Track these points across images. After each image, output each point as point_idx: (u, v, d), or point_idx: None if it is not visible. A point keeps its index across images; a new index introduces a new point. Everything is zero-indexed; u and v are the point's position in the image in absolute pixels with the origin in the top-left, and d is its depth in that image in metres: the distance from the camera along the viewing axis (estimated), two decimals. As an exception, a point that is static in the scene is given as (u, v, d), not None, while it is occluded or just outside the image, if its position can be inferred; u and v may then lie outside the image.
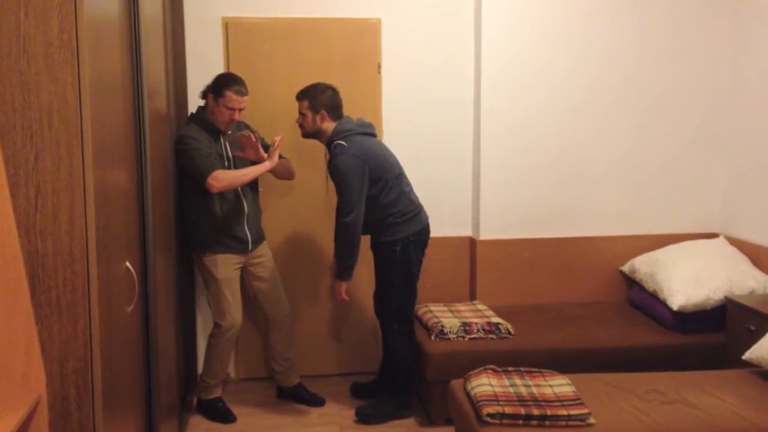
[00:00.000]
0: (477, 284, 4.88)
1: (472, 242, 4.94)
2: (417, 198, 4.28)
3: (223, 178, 4.00)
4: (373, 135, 4.22)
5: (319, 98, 4.10)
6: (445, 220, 4.89)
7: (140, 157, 2.95)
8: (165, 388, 3.36)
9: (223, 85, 4.06)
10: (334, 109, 4.14)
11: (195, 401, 4.46)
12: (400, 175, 4.21)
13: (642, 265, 4.72)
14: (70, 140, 2.05)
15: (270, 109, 4.62)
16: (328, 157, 4.17)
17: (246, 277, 4.35)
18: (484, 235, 4.85)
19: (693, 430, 3.03)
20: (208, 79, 4.58)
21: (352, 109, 4.52)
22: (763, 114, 4.56)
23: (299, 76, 4.50)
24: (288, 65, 4.62)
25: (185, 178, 4.08)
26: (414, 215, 4.20)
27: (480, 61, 4.76)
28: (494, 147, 4.80)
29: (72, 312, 2.10)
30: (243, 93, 4.09)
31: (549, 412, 3.06)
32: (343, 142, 4.03)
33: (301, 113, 4.16)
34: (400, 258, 4.16)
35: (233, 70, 4.59)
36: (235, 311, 4.23)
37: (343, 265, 4.12)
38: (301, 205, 4.78)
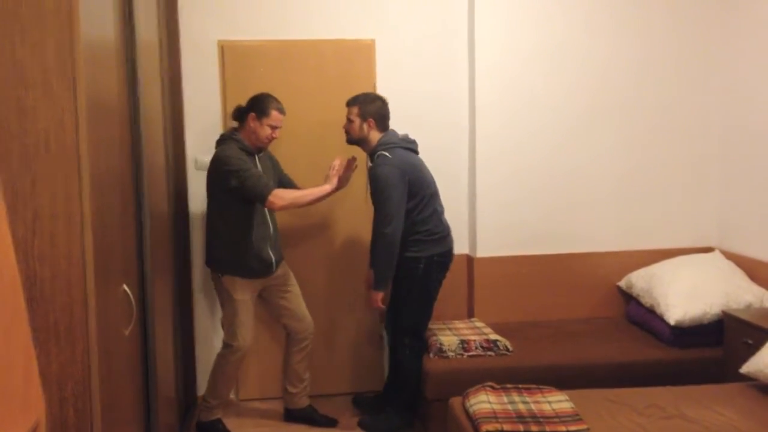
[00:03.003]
0: (475, 301, 4.88)
1: (469, 260, 4.95)
2: (447, 221, 4.31)
3: (284, 197, 4.05)
4: (416, 152, 4.27)
5: (368, 106, 4.17)
6: (442, 239, 4.92)
7: (137, 181, 2.96)
8: (164, 410, 3.37)
9: (267, 104, 4.12)
10: (382, 119, 4.20)
11: (195, 423, 4.44)
12: (435, 195, 4.24)
13: (639, 280, 4.73)
14: (68, 165, 2.07)
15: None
16: (369, 165, 4.22)
17: (270, 296, 4.36)
18: (481, 253, 4.87)
19: (692, 445, 3.03)
20: (204, 102, 4.64)
21: (347, 130, 4.54)
22: (756, 129, 4.59)
23: (295, 98, 4.53)
24: (283, 87, 4.65)
25: (227, 197, 4.08)
26: (442, 236, 4.23)
27: (474, 81, 4.79)
28: (490, 166, 4.82)
29: (70, 336, 2.11)
30: (284, 112, 4.18)
31: (548, 429, 3.06)
32: (387, 153, 4.09)
33: (349, 119, 4.22)
34: (422, 275, 4.18)
35: (229, 93, 4.63)
36: (247, 333, 4.23)
37: (381, 276, 4.13)
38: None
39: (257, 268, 4.18)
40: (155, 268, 3.18)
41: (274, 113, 4.12)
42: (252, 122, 4.13)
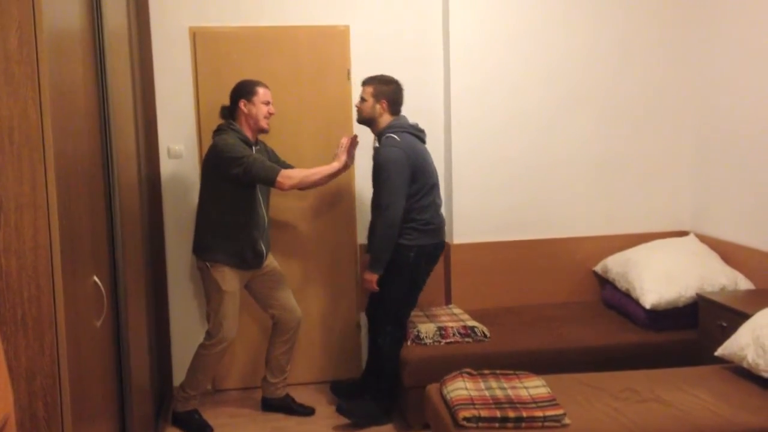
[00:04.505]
0: (452, 288, 4.88)
1: (446, 246, 4.94)
2: (443, 215, 4.32)
3: (293, 176, 4.05)
4: (423, 141, 4.26)
5: (383, 88, 4.18)
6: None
7: (107, 169, 2.92)
8: (139, 401, 3.34)
9: (250, 86, 4.15)
10: (395, 103, 4.21)
11: (171, 413, 4.41)
12: (435, 186, 4.25)
13: (614, 264, 4.75)
14: (32, 155, 2.03)
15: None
16: (375, 146, 4.24)
17: (258, 286, 4.34)
18: (458, 240, 4.86)
19: (667, 428, 3.04)
20: (177, 89, 4.59)
21: (321, 116, 4.52)
22: (730, 114, 4.61)
23: (268, 85, 4.49)
24: (257, 74, 4.59)
25: (226, 185, 4.05)
26: (437, 228, 4.23)
27: (449, 68, 4.78)
28: (466, 152, 4.81)
29: (38, 328, 2.07)
30: (268, 87, 4.19)
31: (524, 414, 3.07)
32: (395, 136, 4.09)
33: (362, 98, 4.23)
34: (411, 264, 4.17)
35: (201, 80, 4.59)
36: (232, 325, 4.20)
37: (378, 258, 4.12)
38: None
39: (250, 259, 4.16)
40: (127, 259, 3.14)
41: (260, 89, 4.14)
42: (245, 107, 4.12)
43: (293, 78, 4.66)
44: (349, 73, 4.74)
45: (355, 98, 4.73)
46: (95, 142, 2.76)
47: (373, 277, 4.15)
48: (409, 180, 4.07)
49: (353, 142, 4.24)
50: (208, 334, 4.23)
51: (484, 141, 4.83)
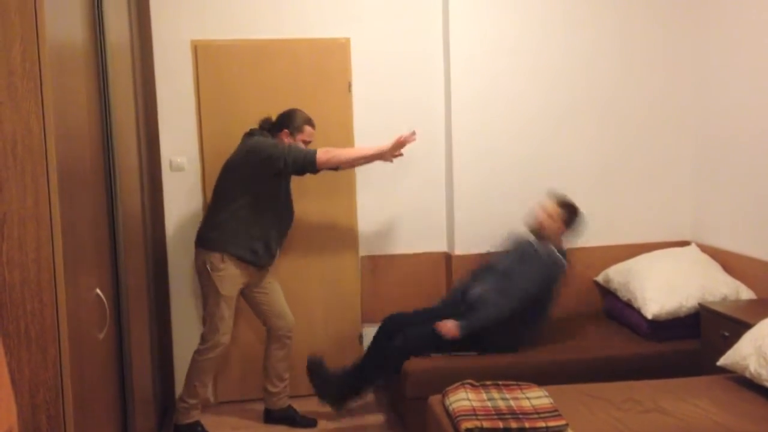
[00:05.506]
0: (454, 299, 4.87)
1: (447, 257, 4.95)
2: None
3: (330, 150, 4.12)
4: None
5: (575, 219, 4.34)
6: (421, 237, 4.93)
7: (110, 182, 2.94)
8: (141, 413, 3.34)
9: (300, 121, 4.23)
10: (572, 235, 4.40)
11: (173, 426, 4.41)
12: (544, 315, 4.36)
13: (616, 274, 4.75)
14: (35, 169, 2.04)
15: (240, 132, 4.59)
16: (534, 248, 4.30)
17: (251, 292, 4.34)
18: (459, 251, 4.86)
19: (669, 438, 3.05)
20: (179, 102, 4.61)
21: (323, 128, 4.52)
22: (730, 123, 4.62)
23: (270, 97, 4.52)
24: (258, 87, 4.63)
25: (260, 184, 4.11)
26: (523, 336, 4.31)
27: (450, 79, 4.79)
28: (466, 162, 4.83)
29: (41, 341, 2.08)
30: (315, 125, 4.29)
31: (527, 425, 3.06)
32: (560, 257, 4.26)
33: (550, 215, 4.31)
34: (482, 346, 4.21)
35: (204, 93, 4.61)
36: (227, 329, 4.21)
37: (472, 329, 4.14)
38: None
39: (261, 254, 4.17)
40: (130, 271, 3.16)
41: (307, 128, 4.24)
42: (286, 138, 4.20)
43: (294, 90, 4.68)
44: (350, 86, 4.76)
45: (357, 110, 4.77)
46: (98, 156, 2.78)
47: (455, 334, 4.14)
48: (536, 295, 4.18)
49: (410, 138, 4.20)
50: (203, 339, 4.23)
51: (485, 151, 4.84)
